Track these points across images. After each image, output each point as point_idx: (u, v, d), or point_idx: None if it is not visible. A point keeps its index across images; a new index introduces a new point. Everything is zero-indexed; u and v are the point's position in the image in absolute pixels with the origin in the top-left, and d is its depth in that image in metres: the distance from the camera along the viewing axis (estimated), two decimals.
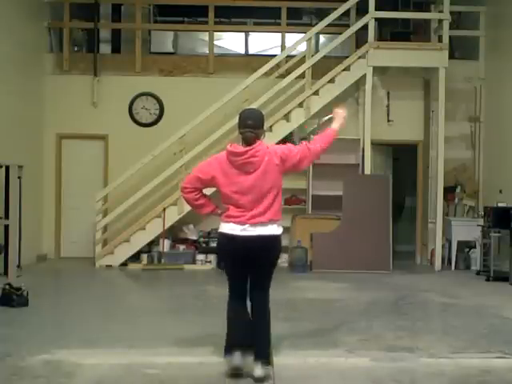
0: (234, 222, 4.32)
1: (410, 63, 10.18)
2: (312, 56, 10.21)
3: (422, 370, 4.68)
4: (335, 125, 4.61)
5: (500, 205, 9.20)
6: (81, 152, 10.95)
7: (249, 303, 4.50)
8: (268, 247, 4.37)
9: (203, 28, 11.32)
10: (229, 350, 4.42)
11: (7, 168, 8.55)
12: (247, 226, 4.29)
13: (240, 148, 4.31)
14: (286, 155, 4.36)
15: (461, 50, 11.58)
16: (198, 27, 11.60)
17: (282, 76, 10.27)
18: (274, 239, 4.38)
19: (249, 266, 4.36)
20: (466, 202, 10.81)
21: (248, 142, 4.31)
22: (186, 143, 10.03)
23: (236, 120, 4.63)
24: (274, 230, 4.36)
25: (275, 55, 10.51)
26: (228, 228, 4.35)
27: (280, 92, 10.12)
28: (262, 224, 4.30)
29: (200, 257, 10.10)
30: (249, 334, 4.40)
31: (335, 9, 10.35)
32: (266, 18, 11.66)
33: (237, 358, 4.35)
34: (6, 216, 8.32)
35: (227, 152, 4.35)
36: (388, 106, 10.85)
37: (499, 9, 10.51)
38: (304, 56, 10.29)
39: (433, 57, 10.13)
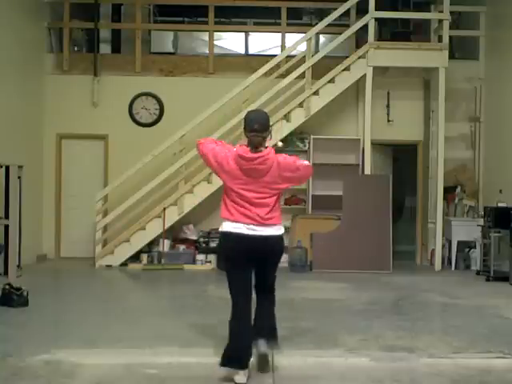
0: (239, 221, 4.32)
1: (410, 63, 10.18)
2: (312, 56, 10.20)
3: (422, 370, 4.68)
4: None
5: (500, 205, 9.21)
6: (81, 152, 10.95)
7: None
8: (274, 247, 4.41)
9: (203, 28, 11.31)
10: (229, 362, 4.25)
11: (7, 168, 8.55)
12: (252, 225, 4.30)
13: (249, 153, 4.31)
14: (284, 162, 4.37)
15: (461, 50, 11.58)
16: (198, 27, 11.60)
17: (282, 76, 10.26)
18: (280, 239, 4.44)
19: (254, 265, 4.38)
20: (466, 202, 10.81)
21: (255, 145, 4.34)
22: (186, 143, 10.02)
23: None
24: (278, 230, 4.41)
25: (275, 55, 10.50)
26: (232, 227, 4.34)
27: (280, 92, 10.11)
28: (266, 226, 4.32)
29: (200, 257, 10.11)
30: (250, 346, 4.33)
31: (335, 9, 10.35)
32: (266, 18, 11.65)
33: (242, 377, 4.22)
34: (6, 216, 8.33)
35: (237, 154, 4.34)
36: (388, 106, 10.86)
37: (499, 9, 10.52)
38: (304, 56, 10.27)
39: (433, 57, 10.12)
